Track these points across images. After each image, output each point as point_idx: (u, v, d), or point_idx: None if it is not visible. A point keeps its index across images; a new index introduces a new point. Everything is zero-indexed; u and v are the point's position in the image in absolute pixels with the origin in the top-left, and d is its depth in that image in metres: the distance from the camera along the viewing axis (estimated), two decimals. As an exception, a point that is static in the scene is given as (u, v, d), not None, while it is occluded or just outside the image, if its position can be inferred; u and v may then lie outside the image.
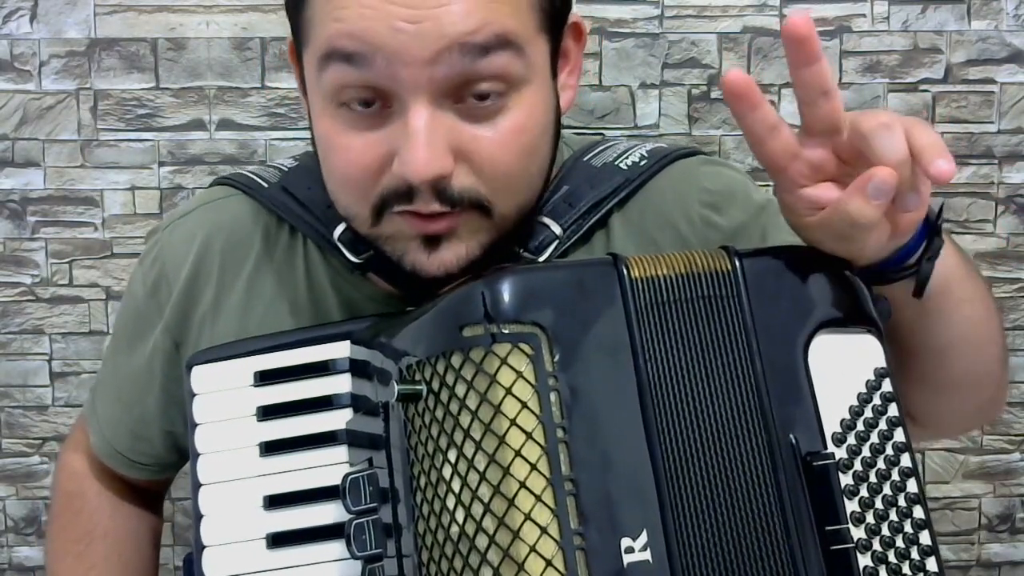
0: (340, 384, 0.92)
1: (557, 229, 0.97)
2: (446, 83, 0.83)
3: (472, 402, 0.75)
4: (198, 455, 0.94)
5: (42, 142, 1.55)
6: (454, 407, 0.76)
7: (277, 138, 1.55)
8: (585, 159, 1.04)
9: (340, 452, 0.91)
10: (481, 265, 0.88)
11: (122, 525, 1.15)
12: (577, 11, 0.96)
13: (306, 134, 1.55)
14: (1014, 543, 1.68)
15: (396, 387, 0.78)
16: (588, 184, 1.00)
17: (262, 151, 1.56)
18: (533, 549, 0.72)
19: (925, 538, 0.79)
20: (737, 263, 0.81)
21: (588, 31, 0.99)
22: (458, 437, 0.76)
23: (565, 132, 1.01)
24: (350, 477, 0.84)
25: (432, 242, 0.88)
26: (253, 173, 1.08)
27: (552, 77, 0.92)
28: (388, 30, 0.81)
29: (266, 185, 1.06)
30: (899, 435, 0.81)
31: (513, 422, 0.74)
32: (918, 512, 0.80)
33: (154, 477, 1.14)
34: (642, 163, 1.03)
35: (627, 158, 1.03)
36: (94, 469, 1.16)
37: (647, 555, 0.74)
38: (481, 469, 0.74)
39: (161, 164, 1.56)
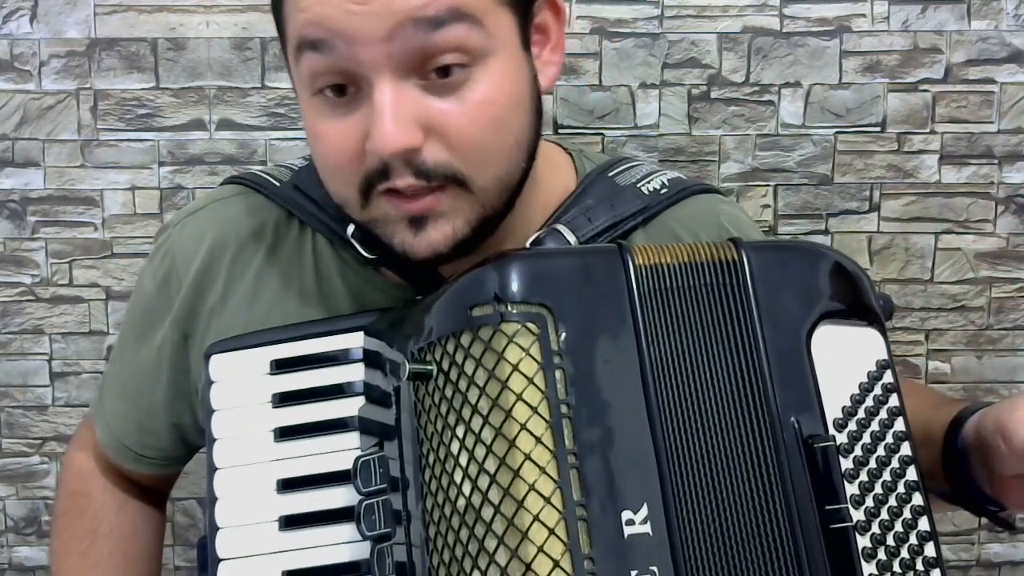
0: (353, 373, 0.94)
1: (572, 240, 0.99)
2: (405, 58, 0.85)
3: (480, 378, 0.77)
4: (214, 440, 0.96)
5: (42, 142, 1.55)
6: (463, 384, 0.78)
7: (277, 138, 1.56)
8: (609, 175, 1.07)
9: (352, 438, 0.93)
10: (470, 245, 0.91)
11: (127, 523, 1.15)
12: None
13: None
14: (1014, 543, 1.68)
15: (407, 366, 0.80)
16: (609, 202, 1.03)
17: (262, 151, 1.56)
18: (536, 518, 0.74)
19: (924, 524, 0.81)
20: (744, 253, 0.84)
21: (567, 6, 1.00)
22: (466, 412, 0.78)
23: (578, 142, 1.03)
24: (361, 459, 0.86)
25: (418, 223, 0.90)
26: (264, 172, 1.10)
27: (524, 49, 0.93)
28: (343, 13, 0.84)
29: (278, 184, 1.08)
30: (899, 424, 0.83)
31: (519, 397, 0.76)
32: (917, 499, 0.81)
33: (159, 471, 1.15)
34: (663, 191, 1.06)
35: (649, 183, 1.07)
36: (100, 467, 1.16)
37: (647, 528, 0.75)
38: (488, 442, 0.76)
39: (161, 164, 1.56)
